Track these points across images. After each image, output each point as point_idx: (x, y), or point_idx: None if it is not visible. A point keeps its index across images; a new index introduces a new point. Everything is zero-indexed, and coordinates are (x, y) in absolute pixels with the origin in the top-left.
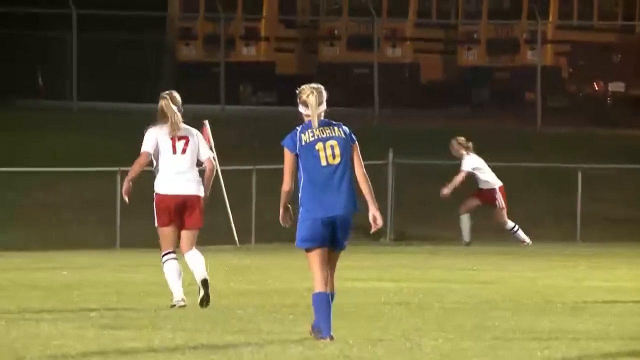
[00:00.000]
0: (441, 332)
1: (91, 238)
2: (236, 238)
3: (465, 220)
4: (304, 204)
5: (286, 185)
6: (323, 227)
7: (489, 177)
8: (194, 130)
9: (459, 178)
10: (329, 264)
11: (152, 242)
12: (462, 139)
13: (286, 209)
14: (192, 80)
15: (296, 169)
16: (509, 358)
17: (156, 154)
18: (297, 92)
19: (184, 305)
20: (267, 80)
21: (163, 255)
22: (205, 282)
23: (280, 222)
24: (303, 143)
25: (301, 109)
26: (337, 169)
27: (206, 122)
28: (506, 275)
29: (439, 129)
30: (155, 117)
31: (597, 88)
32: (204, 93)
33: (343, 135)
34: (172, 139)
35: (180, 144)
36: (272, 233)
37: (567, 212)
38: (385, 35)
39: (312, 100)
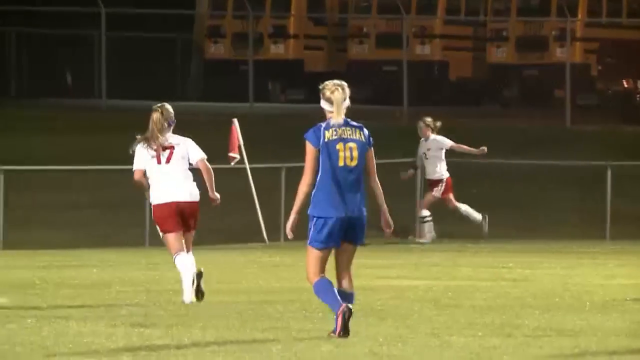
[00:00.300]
0: (471, 330)
1: (120, 236)
2: (265, 236)
3: (463, 208)
4: (318, 203)
5: (307, 179)
6: (338, 228)
7: (441, 166)
8: (182, 139)
9: (465, 148)
10: (347, 261)
11: None
12: (429, 119)
13: (297, 215)
14: (220, 78)
15: (317, 164)
16: (539, 356)
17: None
18: (320, 87)
19: (200, 274)
20: (295, 78)
21: (174, 256)
22: (200, 275)
23: (287, 229)
24: (326, 140)
25: (324, 104)
26: (352, 171)
27: (235, 120)
28: (535, 273)
29: (468, 126)
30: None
31: (626, 85)
32: (232, 91)
33: (363, 138)
34: (156, 150)
35: (164, 154)
36: (301, 230)
37: (596, 210)
38: (414, 32)
39: (338, 96)
